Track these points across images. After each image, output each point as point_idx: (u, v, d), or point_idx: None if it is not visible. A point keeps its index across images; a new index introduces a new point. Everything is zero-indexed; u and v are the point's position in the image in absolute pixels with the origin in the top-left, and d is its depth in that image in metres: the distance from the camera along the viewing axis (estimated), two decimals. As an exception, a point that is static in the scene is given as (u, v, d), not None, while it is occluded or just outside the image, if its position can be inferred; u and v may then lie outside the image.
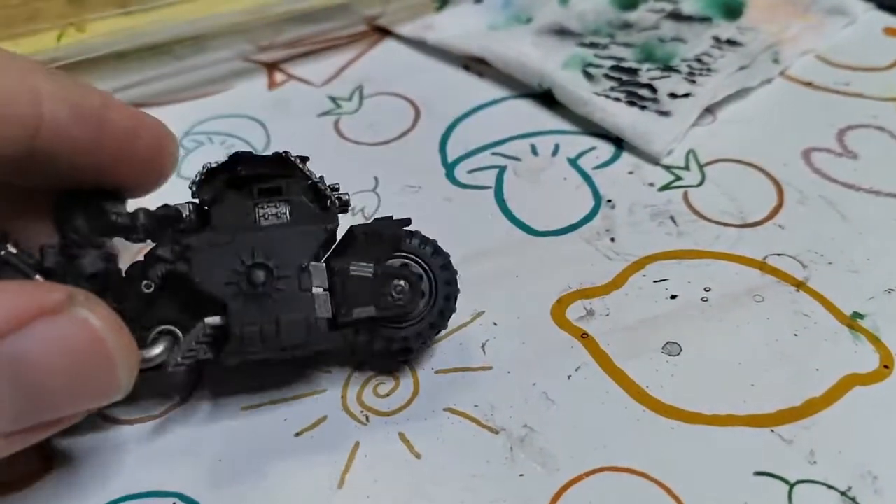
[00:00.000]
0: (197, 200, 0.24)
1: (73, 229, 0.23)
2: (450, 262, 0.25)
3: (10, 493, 0.23)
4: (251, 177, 0.24)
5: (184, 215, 0.24)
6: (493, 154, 0.34)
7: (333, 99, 0.38)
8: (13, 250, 0.22)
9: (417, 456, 0.24)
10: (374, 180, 0.33)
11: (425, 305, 0.25)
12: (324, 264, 0.24)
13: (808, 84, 0.37)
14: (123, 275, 0.23)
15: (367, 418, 0.25)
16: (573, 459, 0.24)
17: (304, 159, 0.24)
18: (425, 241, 0.25)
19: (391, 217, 0.25)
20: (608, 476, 0.23)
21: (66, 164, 0.23)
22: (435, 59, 0.40)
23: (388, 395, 0.26)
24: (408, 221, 0.25)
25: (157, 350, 0.23)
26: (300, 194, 0.24)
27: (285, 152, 0.24)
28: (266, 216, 0.24)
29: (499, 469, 0.24)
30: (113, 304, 0.22)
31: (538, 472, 0.23)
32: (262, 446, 0.24)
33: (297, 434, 0.25)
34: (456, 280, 0.25)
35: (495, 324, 0.27)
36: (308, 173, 0.24)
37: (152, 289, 0.23)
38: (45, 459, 0.24)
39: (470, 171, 0.33)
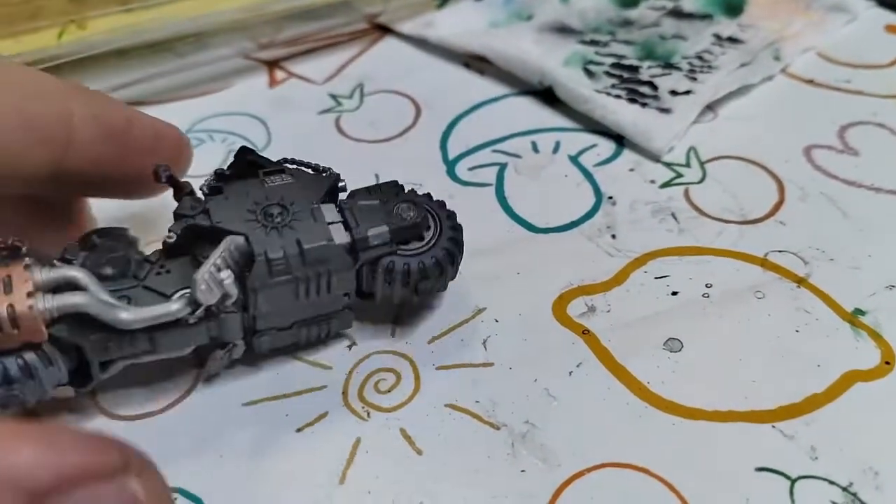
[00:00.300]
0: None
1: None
2: (445, 204, 0.27)
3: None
4: (257, 164, 0.25)
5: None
6: (494, 151, 0.34)
7: (334, 97, 0.38)
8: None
9: (419, 452, 0.24)
10: (374, 177, 0.33)
11: (434, 233, 0.26)
12: (332, 204, 0.25)
13: (810, 81, 0.37)
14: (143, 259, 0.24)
15: (369, 414, 0.25)
16: (574, 455, 0.24)
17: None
18: (418, 193, 0.27)
19: None
20: (609, 472, 0.23)
21: (91, 178, 0.23)
22: (436, 57, 0.40)
23: (389, 391, 0.26)
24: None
25: (177, 305, 0.22)
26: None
27: (284, 159, 0.26)
28: (273, 181, 0.25)
29: (500, 465, 0.24)
30: (133, 283, 0.22)
31: (539, 468, 0.23)
32: (264, 441, 0.24)
33: (299, 430, 0.25)
34: (456, 217, 0.26)
35: (497, 320, 0.27)
36: (306, 163, 0.26)
37: (174, 239, 0.23)
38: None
39: (471, 169, 0.33)
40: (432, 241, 0.25)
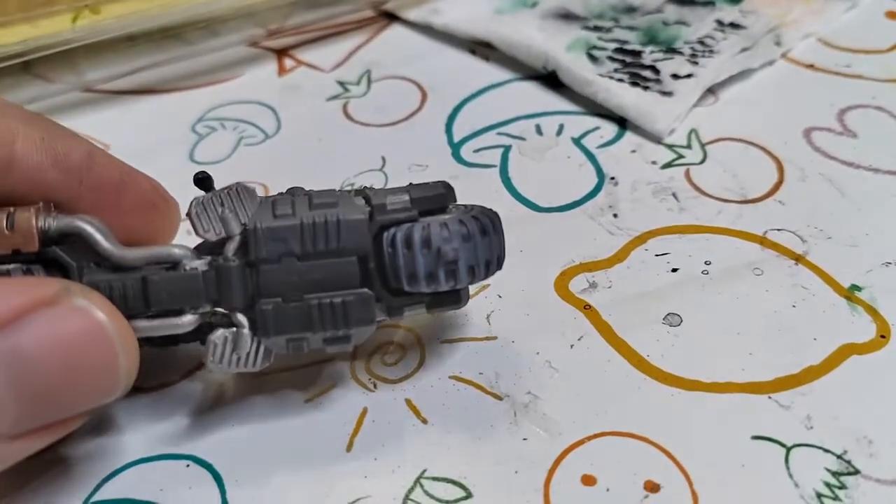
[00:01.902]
0: None
1: None
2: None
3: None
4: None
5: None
6: (499, 134, 0.35)
7: (342, 83, 0.38)
8: None
9: (424, 421, 0.25)
10: (381, 160, 0.34)
11: (466, 210, 0.24)
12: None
13: (810, 66, 0.37)
14: None
15: (375, 385, 0.26)
16: (575, 424, 0.24)
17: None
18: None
19: None
20: (609, 440, 0.24)
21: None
22: (441, 44, 0.40)
23: (395, 364, 0.26)
24: None
25: (179, 250, 0.22)
26: None
27: None
28: None
29: (503, 433, 0.24)
30: None
31: (541, 437, 0.24)
32: (273, 411, 0.25)
33: (307, 400, 0.25)
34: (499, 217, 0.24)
35: (500, 296, 0.28)
36: None
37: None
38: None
39: (476, 151, 0.34)
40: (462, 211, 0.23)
